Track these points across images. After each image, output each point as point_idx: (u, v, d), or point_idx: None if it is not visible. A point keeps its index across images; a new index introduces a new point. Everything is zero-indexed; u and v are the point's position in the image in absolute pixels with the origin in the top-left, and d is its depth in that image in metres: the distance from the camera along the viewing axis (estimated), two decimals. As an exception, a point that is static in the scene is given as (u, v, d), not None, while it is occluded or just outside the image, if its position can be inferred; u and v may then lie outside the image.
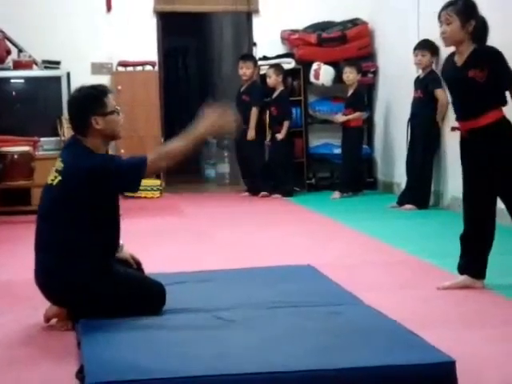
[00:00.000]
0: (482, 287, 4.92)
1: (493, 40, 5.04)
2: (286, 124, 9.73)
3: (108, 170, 4.11)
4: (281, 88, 9.84)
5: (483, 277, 4.96)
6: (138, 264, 4.46)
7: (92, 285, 4.11)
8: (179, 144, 4.19)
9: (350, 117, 9.50)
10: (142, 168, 4.11)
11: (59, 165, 4.21)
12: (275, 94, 9.86)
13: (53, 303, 4.23)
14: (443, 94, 8.18)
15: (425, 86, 8.29)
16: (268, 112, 9.93)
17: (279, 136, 9.71)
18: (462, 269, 4.98)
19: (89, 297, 4.11)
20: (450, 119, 8.19)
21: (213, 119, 4.14)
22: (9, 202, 8.59)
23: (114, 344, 3.72)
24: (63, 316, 4.20)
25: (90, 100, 4.23)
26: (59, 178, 4.15)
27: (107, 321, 4.00)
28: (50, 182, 4.21)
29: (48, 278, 4.17)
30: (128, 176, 4.14)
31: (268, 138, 9.90)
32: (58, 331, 4.17)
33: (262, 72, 10.11)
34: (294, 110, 10.06)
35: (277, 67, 9.87)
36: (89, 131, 4.19)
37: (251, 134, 9.73)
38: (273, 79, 9.79)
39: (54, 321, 4.26)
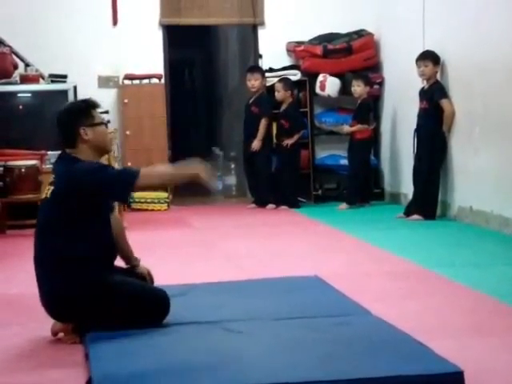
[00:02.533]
0: None
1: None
2: (298, 133, 9.78)
3: (98, 177, 4.12)
4: (289, 100, 9.86)
5: None
6: (152, 281, 4.49)
7: (91, 297, 4.11)
8: (171, 171, 4.35)
9: (353, 129, 9.52)
10: (132, 179, 4.12)
11: (52, 178, 4.28)
12: (284, 107, 9.88)
13: (57, 320, 4.25)
14: (449, 104, 8.19)
15: (430, 96, 8.29)
16: (277, 125, 9.95)
17: (289, 141, 9.72)
18: None
19: (90, 310, 4.13)
20: (456, 129, 8.20)
21: (200, 170, 4.19)
22: (16, 216, 8.60)
23: (122, 356, 3.73)
24: (69, 330, 4.21)
25: (79, 112, 4.32)
26: (52, 188, 4.21)
27: (115, 333, 4.01)
28: (44, 196, 4.28)
29: (47, 294, 4.18)
30: (118, 185, 4.16)
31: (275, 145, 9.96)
32: (65, 344, 4.17)
33: (268, 84, 10.11)
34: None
35: (285, 81, 9.87)
36: (78, 142, 4.25)
37: (257, 144, 9.74)
38: (281, 94, 9.80)
39: (61, 334, 4.26)
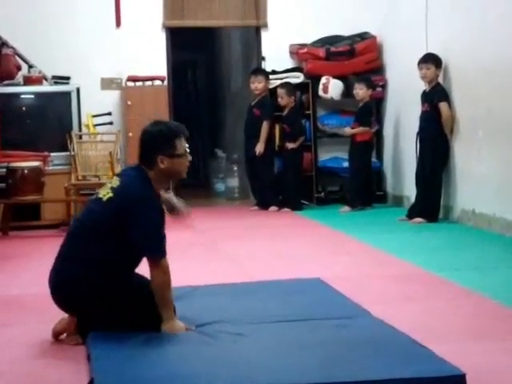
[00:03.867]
0: None
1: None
2: (300, 138, 9.85)
3: (140, 220, 4.10)
4: (291, 105, 9.88)
5: None
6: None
7: (100, 296, 4.14)
8: (168, 301, 4.16)
9: (354, 131, 9.53)
10: (160, 253, 4.13)
11: (116, 183, 4.25)
12: (286, 112, 9.90)
13: (64, 310, 4.25)
14: (446, 108, 8.18)
15: (431, 99, 8.29)
16: (280, 128, 9.97)
17: (291, 145, 9.75)
18: None
19: (96, 307, 4.15)
20: (459, 132, 8.21)
21: (175, 329, 4.11)
22: (19, 217, 8.62)
23: (124, 357, 3.73)
24: (72, 330, 4.21)
25: (162, 139, 4.22)
26: (111, 194, 4.19)
27: (117, 334, 4.02)
28: (100, 195, 4.25)
29: (65, 285, 4.18)
30: (148, 242, 4.14)
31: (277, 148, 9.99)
32: (68, 345, 4.17)
33: (271, 86, 10.11)
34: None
35: (288, 87, 9.86)
36: (153, 167, 4.22)
37: (261, 148, 9.75)
38: (285, 100, 9.82)
39: (63, 336, 4.26)
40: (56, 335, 4.28)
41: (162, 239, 4.18)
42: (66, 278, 4.18)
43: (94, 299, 4.14)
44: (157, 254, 4.14)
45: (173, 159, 4.20)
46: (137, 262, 4.32)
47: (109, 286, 4.14)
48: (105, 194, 4.22)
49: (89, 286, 4.13)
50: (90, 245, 4.17)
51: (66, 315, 4.26)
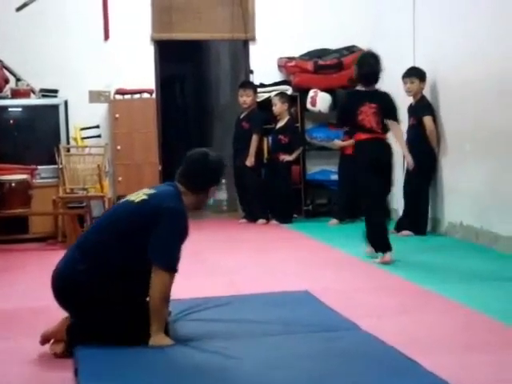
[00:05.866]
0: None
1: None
2: (299, 149, 9.88)
3: (165, 229, 4.16)
4: (287, 117, 9.88)
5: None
6: None
7: (99, 298, 4.13)
8: (162, 312, 4.17)
9: (345, 143, 9.52)
10: (170, 266, 4.18)
11: (150, 191, 4.31)
12: (282, 123, 9.89)
13: (59, 303, 4.23)
14: (430, 122, 8.21)
15: (416, 113, 8.33)
16: (273, 140, 9.96)
17: (287, 157, 9.76)
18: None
19: (91, 306, 4.14)
20: (447, 146, 8.22)
21: (161, 342, 4.11)
22: (6, 230, 8.59)
23: (112, 373, 3.71)
24: (59, 337, 4.20)
25: (220, 171, 4.42)
26: (145, 197, 4.25)
27: (105, 350, 4.00)
28: (131, 199, 4.31)
29: (72, 278, 4.16)
30: (161, 251, 4.18)
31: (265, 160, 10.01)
32: (55, 359, 4.14)
33: (259, 99, 10.12)
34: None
35: (282, 95, 9.89)
36: (197, 192, 4.35)
37: (251, 160, 9.76)
38: (278, 107, 9.82)
39: (48, 346, 4.24)
40: (44, 339, 4.26)
41: (175, 254, 4.24)
42: (71, 276, 4.17)
43: (92, 300, 4.12)
44: (164, 264, 4.15)
45: (213, 192, 4.44)
46: (144, 281, 4.20)
47: (109, 291, 4.12)
48: (137, 197, 4.28)
49: (92, 285, 4.12)
50: (106, 244, 4.18)
51: (56, 322, 4.25)
